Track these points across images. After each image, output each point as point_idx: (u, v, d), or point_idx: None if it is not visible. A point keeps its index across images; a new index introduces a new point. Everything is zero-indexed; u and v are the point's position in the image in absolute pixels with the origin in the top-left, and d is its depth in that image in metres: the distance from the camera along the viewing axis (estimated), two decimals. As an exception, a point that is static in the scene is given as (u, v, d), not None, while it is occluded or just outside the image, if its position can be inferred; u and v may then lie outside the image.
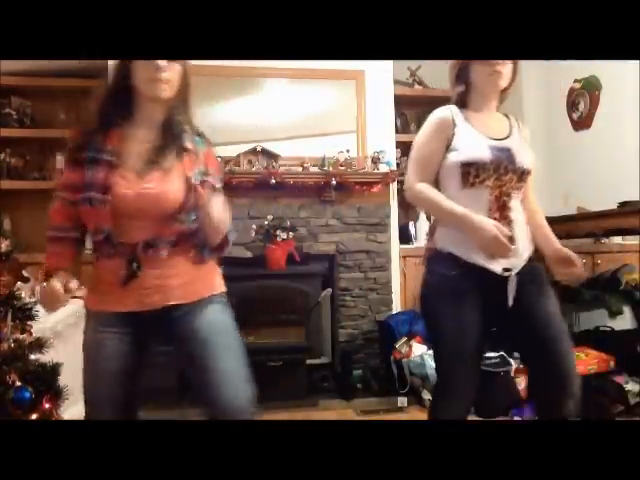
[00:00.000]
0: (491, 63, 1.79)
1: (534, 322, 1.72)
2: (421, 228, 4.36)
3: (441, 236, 1.79)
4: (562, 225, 3.60)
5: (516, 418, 3.07)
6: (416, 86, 4.69)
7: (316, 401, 3.50)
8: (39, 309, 1.89)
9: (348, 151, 3.98)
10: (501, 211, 1.73)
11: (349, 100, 4.11)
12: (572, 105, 4.14)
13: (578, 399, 1.77)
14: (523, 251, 1.75)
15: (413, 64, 4.68)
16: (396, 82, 4.33)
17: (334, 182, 3.86)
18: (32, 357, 1.80)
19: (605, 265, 3.94)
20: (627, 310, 3.49)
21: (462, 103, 1.89)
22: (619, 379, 3.12)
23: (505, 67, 1.82)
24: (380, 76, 4.16)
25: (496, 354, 3.37)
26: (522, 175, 1.78)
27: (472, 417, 3.22)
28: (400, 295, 4.16)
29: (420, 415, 3.34)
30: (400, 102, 4.37)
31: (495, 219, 1.69)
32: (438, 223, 1.85)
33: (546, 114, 4.27)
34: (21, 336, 1.80)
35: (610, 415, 2.99)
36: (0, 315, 1.78)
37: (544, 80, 4.26)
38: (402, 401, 3.47)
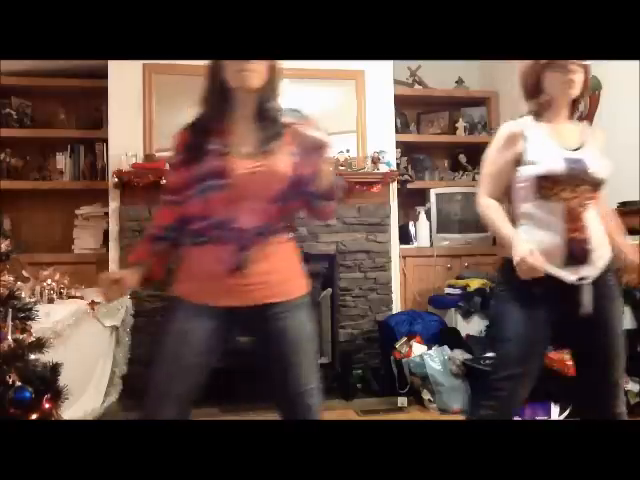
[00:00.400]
0: (564, 71, 1.79)
1: (600, 337, 1.78)
2: (421, 228, 4.36)
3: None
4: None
5: (516, 418, 3.07)
6: (416, 86, 4.69)
7: (316, 401, 3.50)
8: (39, 309, 1.89)
9: (348, 151, 3.98)
10: (576, 222, 1.74)
11: (349, 100, 4.12)
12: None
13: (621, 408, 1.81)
14: (597, 260, 1.76)
15: (413, 64, 4.68)
16: (396, 82, 4.33)
17: (334, 182, 3.85)
18: (32, 357, 1.80)
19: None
20: (627, 310, 3.48)
21: (536, 114, 1.89)
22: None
23: (577, 75, 1.81)
24: (380, 76, 4.16)
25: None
26: (597, 185, 1.79)
27: (472, 417, 3.23)
28: (400, 295, 4.16)
29: (420, 415, 3.34)
30: (400, 102, 4.37)
31: (570, 230, 1.72)
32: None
33: (546, 114, 4.27)
34: (21, 336, 1.80)
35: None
36: (0, 315, 1.78)
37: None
38: (402, 401, 3.47)
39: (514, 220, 1.84)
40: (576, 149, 1.81)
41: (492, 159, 1.93)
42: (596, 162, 1.79)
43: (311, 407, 1.60)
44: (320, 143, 1.48)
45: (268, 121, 1.58)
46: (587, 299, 1.73)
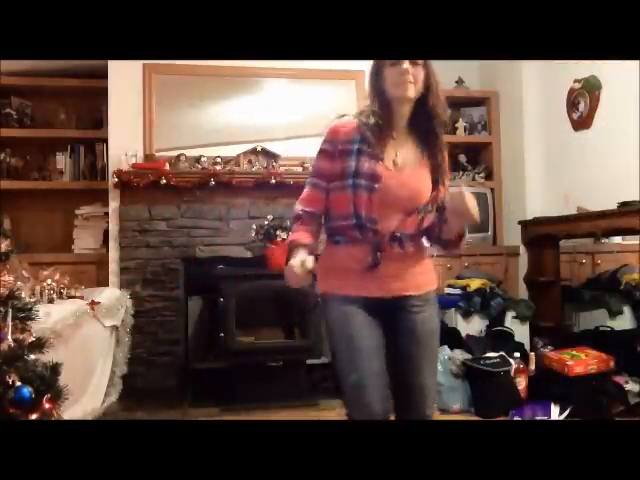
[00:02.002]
0: None
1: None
2: (421, 228, 4.36)
3: None
4: (562, 225, 3.60)
5: (516, 418, 3.07)
6: (416, 86, 4.69)
7: (316, 401, 3.50)
8: (39, 309, 1.89)
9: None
10: None
11: (349, 100, 4.11)
12: (572, 105, 4.14)
13: None
14: None
15: (413, 64, 4.67)
16: (396, 82, 4.32)
17: (334, 182, 3.85)
18: (32, 357, 1.80)
19: (605, 265, 3.93)
20: (627, 310, 3.49)
21: None
22: (619, 379, 3.12)
23: None
24: (380, 76, 4.15)
25: (496, 354, 3.37)
26: None
27: (472, 417, 3.23)
28: (400, 295, 4.15)
29: (420, 415, 3.34)
30: (400, 102, 4.36)
31: None
32: None
33: (546, 114, 4.27)
34: (21, 336, 1.80)
35: (610, 415, 2.99)
36: (0, 315, 1.78)
37: (544, 80, 4.26)
38: (402, 401, 3.46)
39: None
40: None
41: None
42: None
43: (424, 401, 1.64)
44: (470, 219, 1.58)
45: (425, 134, 1.65)
46: None
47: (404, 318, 1.64)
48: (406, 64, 1.58)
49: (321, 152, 1.67)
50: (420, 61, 1.61)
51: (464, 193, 1.53)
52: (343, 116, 1.70)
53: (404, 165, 1.61)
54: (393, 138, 1.63)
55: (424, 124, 1.65)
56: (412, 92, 1.60)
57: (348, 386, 1.63)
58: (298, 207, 1.67)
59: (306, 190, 1.69)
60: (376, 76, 1.64)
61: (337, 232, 1.64)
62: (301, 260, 1.51)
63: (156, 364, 3.73)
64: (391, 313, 1.64)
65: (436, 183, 1.64)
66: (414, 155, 1.63)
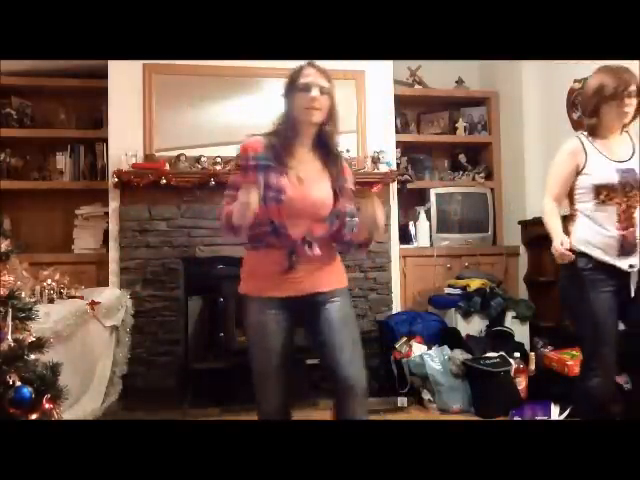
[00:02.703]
0: (622, 105, 2.12)
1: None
2: (421, 228, 4.36)
3: (576, 238, 2.20)
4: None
5: (516, 418, 3.07)
6: (416, 86, 4.69)
7: (316, 401, 3.50)
8: (39, 309, 1.89)
9: (348, 151, 3.98)
10: (628, 221, 2.14)
11: (349, 100, 4.11)
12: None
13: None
14: None
15: (413, 64, 4.67)
16: (396, 82, 4.32)
17: (334, 182, 3.86)
18: (32, 357, 1.80)
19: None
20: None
21: (591, 131, 2.23)
22: (619, 379, 3.12)
23: (633, 106, 2.14)
24: (380, 76, 4.15)
25: (496, 354, 3.37)
26: None
27: (472, 417, 3.23)
28: (400, 295, 4.15)
29: (420, 415, 3.34)
30: (400, 102, 4.37)
31: (622, 228, 2.14)
32: (571, 225, 2.26)
33: (546, 114, 4.27)
34: (21, 336, 1.80)
35: (610, 415, 2.99)
36: (0, 315, 1.77)
37: (544, 80, 4.26)
38: (402, 401, 3.46)
39: (573, 217, 2.26)
40: (627, 160, 2.17)
41: (556, 168, 2.28)
42: None
43: (353, 387, 1.78)
44: (376, 227, 1.79)
45: (326, 153, 1.87)
46: (634, 284, 2.16)
47: (320, 310, 1.85)
48: (315, 92, 1.78)
49: (237, 169, 1.90)
50: (327, 90, 1.82)
51: (373, 203, 1.76)
52: (253, 135, 1.89)
53: (307, 179, 1.81)
54: (298, 156, 1.84)
55: (326, 145, 1.87)
56: (318, 118, 1.81)
57: (256, 380, 1.86)
58: (221, 221, 1.86)
59: (223, 203, 1.86)
60: (287, 99, 1.85)
61: (257, 238, 1.84)
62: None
63: (156, 364, 3.73)
64: (308, 309, 1.86)
65: (337, 194, 1.86)
66: (317, 171, 1.85)
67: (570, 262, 2.16)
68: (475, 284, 3.91)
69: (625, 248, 2.12)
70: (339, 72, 3.99)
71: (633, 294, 2.16)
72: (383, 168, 3.99)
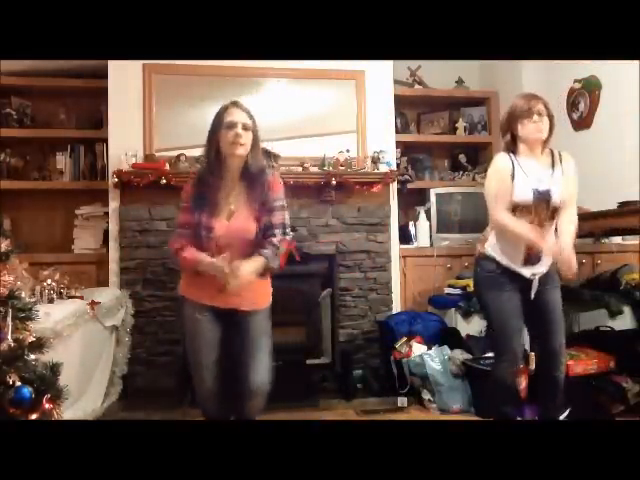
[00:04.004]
0: (531, 120, 2.32)
1: (543, 306, 2.43)
2: (421, 228, 4.36)
3: (490, 245, 2.46)
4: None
5: (516, 418, 3.07)
6: (416, 86, 4.69)
7: (316, 401, 3.50)
8: (39, 309, 1.89)
9: (348, 151, 3.98)
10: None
11: (349, 100, 4.11)
12: (572, 105, 4.14)
13: (562, 372, 2.45)
14: (548, 262, 2.40)
15: (413, 64, 4.67)
16: (396, 82, 4.32)
17: (334, 182, 3.85)
18: (32, 357, 1.80)
19: (605, 265, 3.93)
20: (627, 310, 3.48)
21: (511, 150, 2.41)
22: (619, 379, 3.12)
23: (544, 122, 2.34)
24: (380, 76, 4.15)
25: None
26: (554, 212, 2.37)
27: (472, 417, 3.23)
28: (400, 295, 4.15)
29: (420, 415, 3.34)
30: (400, 102, 4.36)
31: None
32: (487, 234, 2.51)
33: (546, 114, 4.26)
34: (21, 336, 1.80)
35: (610, 415, 2.99)
36: (0, 315, 1.77)
37: (544, 80, 4.26)
38: (402, 401, 3.46)
39: (491, 229, 2.49)
40: (545, 180, 2.35)
41: (494, 185, 2.41)
42: (558, 192, 2.34)
43: (254, 392, 2.10)
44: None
45: (249, 180, 2.12)
46: (534, 288, 2.42)
47: (242, 323, 2.15)
48: (239, 129, 2.05)
49: (180, 209, 2.20)
50: (250, 126, 2.08)
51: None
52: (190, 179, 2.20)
53: (237, 209, 2.12)
54: (228, 186, 2.13)
55: (251, 173, 2.12)
56: (242, 151, 2.08)
57: (191, 370, 2.22)
58: (172, 250, 2.18)
59: (174, 238, 2.19)
60: (214, 135, 2.10)
61: None
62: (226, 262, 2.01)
63: (156, 364, 3.73)
64: (233, 320, 2.15)
65: (261, 214, 2.11)
66: (244, 197, 2.13)
67: (482, 265, 2.47)
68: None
69: (530, 259, 2.37)
70: (339, 72, 4.03)
71: (533, 297, 2.41)
72: (383, 168, 3.99)
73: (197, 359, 2.18)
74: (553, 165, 2.40)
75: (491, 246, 2.46)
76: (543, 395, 2.54)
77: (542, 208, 2.33)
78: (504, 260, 2.41)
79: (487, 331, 3.73)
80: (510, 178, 2.34)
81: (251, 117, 2.10)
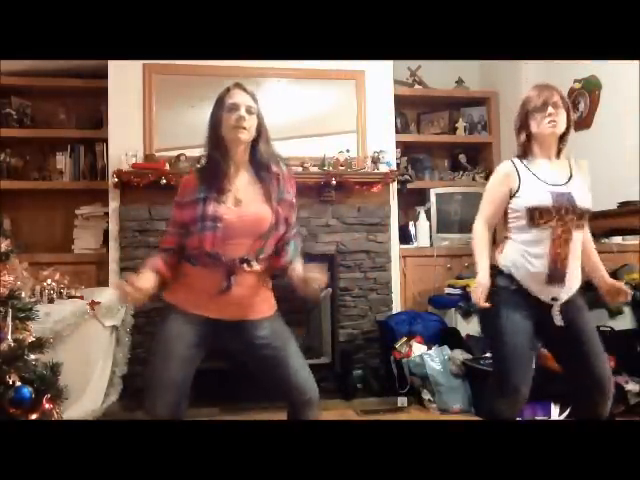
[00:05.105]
0: (546, 115, 2.06)
1: (577, 337, 2.08)
2: (421, 228, 4.36)
3: (504, 257, 2.14)
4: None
5: (516, 418, 3.06)
6: (416, 86, 4.69)
7: (316, 401, 3.50)
8: (39, 309, 1.89)
9: (348, 151, 3.98)
10: (563, 247, 2.04)
11: (349, 100, 4.11)
12: (572, 105, 4.13)
13: (611, 400, 2.10)
14: (571, 285, 2.10)
15: (413, 64, 4.68)
16: (396, 82, 4.32)
17: (334, 182, 3.86)
18: (32, 357, 1.80)
19: (605, 265, 3.92)
20: (627, 310, 3.48)
21: (525, 152, 2.17)
22: (619, 379, 3.12)
23: (559, 115, 2.08)
24: (380, 76, 4.15)
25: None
26: (582, 215, 2.08)
27: (472, 417, 3.23)
28: (400, 295, 4.15)
29: (420, 415, 3.34)
30: (400, 102, 4.37)
31: (556, 254, 2.04)
32: (500, 242, 2.21)
33: (546, 114, 4.26)
34: (21, 336, 1.80)
35: (610, 415, 2.98)
36: (0, 315, 1.78)
37: (544, 80, 4.25)
38: (402, 401, 3.47)
39: (506, 239, 2.17)
40: (563, 184, 2.10)
41: (491, 194, 2.20)
42: (582, 194, 2.09)
43: (309, 401, 1.94)
44: (313, 292, 1.86)
45: (259, 170, 1.90)
46: (556, 315, 2.07)
47: (254, 337, 1.89)
48: (242, 112, 1.84)
49: (174, 204, 1.95)
50: (254, 110, 1.87)
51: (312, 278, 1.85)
52: (190, 172, 1.98)
53: (245, 199, 1.86)
54: (234, 176, 1.88)
55: (258, 161, 1.90)
56: (246, 136, 1.86)
57: (147, 386, 1.88)
58: (159, 248, 1.97)
59: (165, 236, 1.98)
60: (216, 119, 1.88)
61: (192, 257, 1.87)
62: (141, 277, 1.80)
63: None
64: (236, 334, 1.89)
65: (277, 207, 1.88)
66: (253, 188, 1.88)
67: (498, 280, 2.11)
68: (475, 284, 3.90)
69: (553, 276, 2.04)
70: (339, 72, 4.03)
71: (559, 323, 2.06)
72: (383, 168, 3.99)
73: (164, 378, 1.83)
74: (571, 169, 2.15)
75: (506, 259, 2.13)
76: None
77: (567, 212, 2.03)
78: (522, 276, 2.07)
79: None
80: (513, 187, 2.10)
81: (255, 100, 1.90)
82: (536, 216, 2.04)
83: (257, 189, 1.88)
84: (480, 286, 2.08)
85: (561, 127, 2.10)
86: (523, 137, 2.15)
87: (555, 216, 2.03)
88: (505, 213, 2.15)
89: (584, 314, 2.13)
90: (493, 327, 2.11)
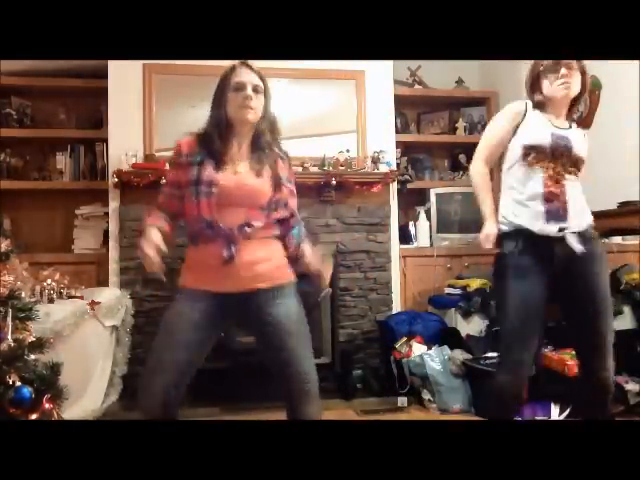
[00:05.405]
0: (559, 76, 2.00)
1: (590, 296, 2.02)
2: (421, 228, 4.36)
3: (502, 207, 2.10)
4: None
5: (516, 418, 3.07)
6: (416, 86, 4.69)
7: (316, 401, 3.50)
8: (39, 309, 1.89)
9: (348, 151, 3.98)
10: (555, 186, 2.00)
11: (349, 100, 4.11)
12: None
13: (612, 371, 2.10)
14: (578, 219, 2.02)
15: (413, 64, 4.68)
16: (396, 82, 4.32)
17: (334, 182, 3.86)
18: (32, 357, 1.80)
19: (605, 265, 3.93)
20: (627, 310, 3.48)
21: (537, 106, 2.10)
22: (619, 379, 3.11)
23: (573, 77, 2.02)
24: (380, 76, 4.15)
25: (496, 354, 3.37)
26: (576, 162, 2.05)
27: (472, 417, 3.23)
28: (400, 295, 4.15)
29: (420, 415, 3.34)
30: (400, 102, 4.37)
31: (549, 192, 2.00)
32: (500, 199, 2.12)
33: (546, 114, 4.27)
34: (21, 336, 1.80)
35: (610, 415, 2.98)
36: (0, 315, 1.78)
37: (544, 80, 4.26)
38: (402, 401, 3.47)
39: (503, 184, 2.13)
40: (565, 129, 2.06)
41: (494, 130, 2.14)
42: (579, 143, 2.06)
43: (308, 392, 1.84)
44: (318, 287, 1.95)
45: (260, 150, 1.84)
46: (573, 243, 1.98)
47: (264, 312, 1.78)
48: (249, 91, 1.77)
49: (170, 164, 1.91)
50: (261, 89, 1.80)
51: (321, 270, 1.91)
52: (189, 133, 1.90)
53: (244, 171, 1.79)
54: (234, 154, 1.81)
55: (263, 142, 1.84)
56: (252, 116, 1.80)
57: (146, 369, 1.75)
58: (157, 206, 1.90)
59: (159, 197, 1.93)
60: (221, 98, 1.82)
61: (194, 236, 1.80)
62: (149, 234, 1.71)
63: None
64: (247, 307, 1.78)
65: (276, 188, 1.83)
66: (255, 166, 1.81)
67: (497, 247, 2.07)
68: (475, 284, 3.90)
69: (551, 213, 1.98)
70: (339, 72, 4.03)
71: (582, 249, 1.98)
72: (383, 168, 3.99)
73: (164, 357, 1.71)
74: (572, 126, 2.12)
75: (503, 208, 2.09)
76: (589, 404, 2.14)
77: (561, 156, 2.00)
78: (522, 220, 2.01)
79: (487, 329, 3.75)
80: (518, 124, 2.05)
81: (263, 79, 1.81)
82: (530, 154, 2.00)
83: (258, 166, 1.82)
84: (489, 236, 2.07)
85: (575, 89, 2.03)
86: (538, 96, 2.07)
87: (549, 157, 2.00)
88: (500, 157, 2.12)
89: (603, 271, 2.05)
90: (502, 295, 2.06)
